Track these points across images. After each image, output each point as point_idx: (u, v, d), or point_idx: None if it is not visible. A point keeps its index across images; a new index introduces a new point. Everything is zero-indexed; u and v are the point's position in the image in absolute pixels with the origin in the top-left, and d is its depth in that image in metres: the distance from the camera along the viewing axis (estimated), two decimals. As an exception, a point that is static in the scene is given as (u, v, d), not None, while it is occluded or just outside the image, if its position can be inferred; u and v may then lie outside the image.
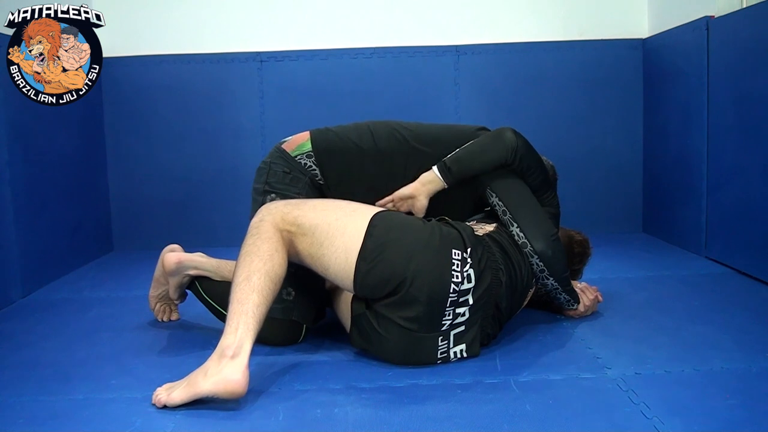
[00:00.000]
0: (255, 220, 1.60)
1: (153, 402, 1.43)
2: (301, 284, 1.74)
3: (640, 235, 3.21)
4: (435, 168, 1.82)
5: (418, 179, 1.83)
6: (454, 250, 1.56)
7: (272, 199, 1.78)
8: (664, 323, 1.89)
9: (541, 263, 1.74)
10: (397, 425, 1.32)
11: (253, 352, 1.47)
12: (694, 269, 2.51)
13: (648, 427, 1.28)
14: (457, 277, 1.55)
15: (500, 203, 1.80)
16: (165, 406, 1.41)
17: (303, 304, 1.74)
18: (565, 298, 1.87)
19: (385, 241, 1.55)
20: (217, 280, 1.87)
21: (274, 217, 1.58)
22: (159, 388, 1.45)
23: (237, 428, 1.34)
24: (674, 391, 1.44)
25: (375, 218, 1.58)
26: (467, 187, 1.85)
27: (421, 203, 1.83)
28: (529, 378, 1.53)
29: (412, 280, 1.53)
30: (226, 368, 1.39)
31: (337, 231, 1.56)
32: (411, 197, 1.82)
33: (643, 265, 2.60)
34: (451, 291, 1.54)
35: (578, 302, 1.90)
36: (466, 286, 1.56)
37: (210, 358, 1.43)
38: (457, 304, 1.56)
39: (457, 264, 1.55)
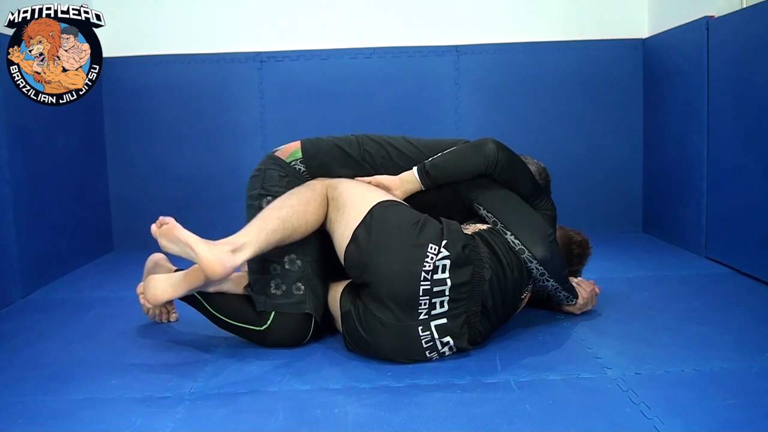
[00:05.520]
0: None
1: (152, 232, 1.72)
2: (309, 281, 1.76)
3: (640, 235, 3.21)
4: (414, 169, 1.86)
5: (399, 175, 1.87)
6: (430, 245, 1.61)
7: (268, 203, 1.78)
8: (664, 323, 1.89)
9: (540, 267, 1.74)
10: (397, 425, 1.32)
11: (253, 353, 1.47)
12: (694, 269, 2.51)
13: (648, 427, 1.28)
14: (429, 266, 1.59)
15: (489, 215, 1.81)
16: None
17: (313, 299, 1.75)
18: (564, 295, 1.88)
19: (373, 230, 1.65)
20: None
21: (324, 179, 1.84)
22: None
23: (237, 428, 1.35)
24: (674, 391, 1.44)
25: (375, 207, 1.68)
26: (458, 195, 1.87)
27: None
28: (529, 378, 1.53)
29: (379, 272, 1.61)
30: (223, 255, 1.58)
31: (349, 203, 1.72)
32: (387, 189, 1.85)
33: (643, 265, 2.60)
34: (422, 279, 1.59)
35: (577, 297, 1.91)
36: (439, 276, 1.60)
37: (220, 241, 1.62)
38: (431, 293, 1.60)
39: (431, 256, 1.60)
